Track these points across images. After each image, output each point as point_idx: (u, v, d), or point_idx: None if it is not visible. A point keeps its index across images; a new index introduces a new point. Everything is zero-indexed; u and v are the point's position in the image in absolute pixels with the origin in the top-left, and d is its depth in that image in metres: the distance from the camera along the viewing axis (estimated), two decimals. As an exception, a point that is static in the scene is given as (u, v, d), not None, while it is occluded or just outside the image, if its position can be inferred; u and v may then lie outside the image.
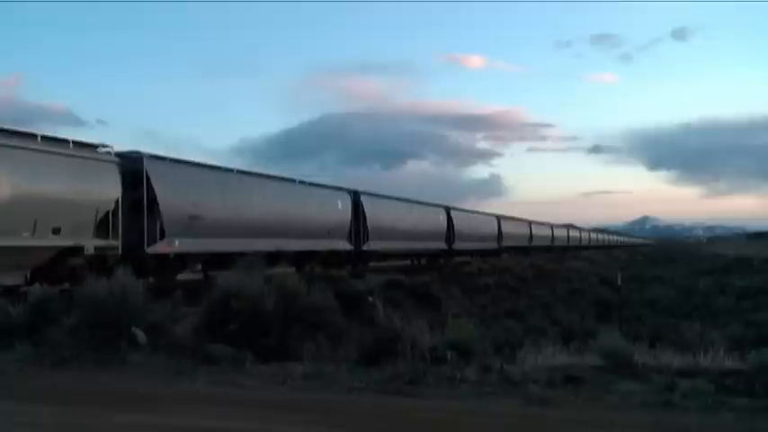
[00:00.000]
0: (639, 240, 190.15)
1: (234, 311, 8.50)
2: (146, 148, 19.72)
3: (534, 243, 64.77)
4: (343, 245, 28.84)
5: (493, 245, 51.12)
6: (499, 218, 54.85)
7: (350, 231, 29.15)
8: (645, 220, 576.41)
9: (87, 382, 7.22)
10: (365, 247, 30.07)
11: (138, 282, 9.56)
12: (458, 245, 42.13)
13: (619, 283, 30.65)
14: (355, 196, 30.15)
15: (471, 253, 45.87)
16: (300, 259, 25.02)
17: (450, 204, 44.75)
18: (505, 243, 53.89)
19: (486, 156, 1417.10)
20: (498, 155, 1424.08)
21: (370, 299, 15.15)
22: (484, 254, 47.67)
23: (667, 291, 40.02)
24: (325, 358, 8.01)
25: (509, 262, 44.35)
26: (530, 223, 66.45)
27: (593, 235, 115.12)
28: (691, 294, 38.68)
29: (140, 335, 8.44)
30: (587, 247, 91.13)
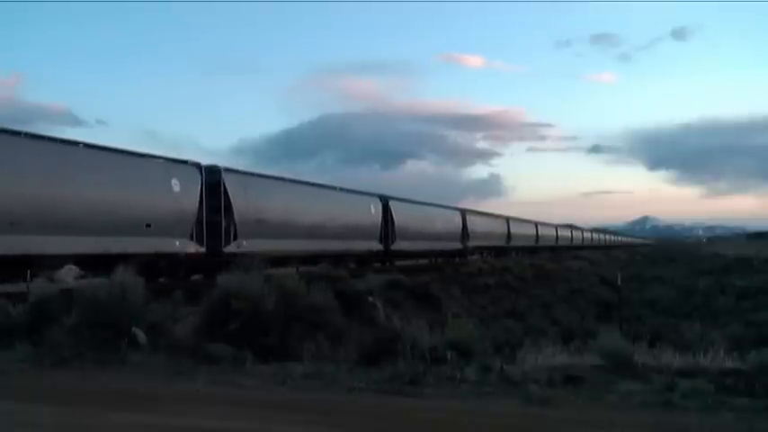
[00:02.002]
0: (639, 240, 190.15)
1: (234, 311, 8.51)
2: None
3: (540, 243, 67.97)
4: (376, 245, 31.85)
5: (503, 244, 54.50)
6: (508, 219, 58.15)
7: (380, 233, 32.27)
8: (645, 220, 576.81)
9: (87, 382, 7.21)
10: (393, 247, 33.20)
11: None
12: (472, 243, 45.60)
13: (619, 283, 30.63)
14: (384, 201, 33.30)
15: (482, 251, 48.53)
16: (341, 258, 27.25)
17: (465, 207, 48.84)
18: (514, 243, 57.32)
19: (485, 156, 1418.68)
20: (498, 155, 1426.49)
21: (370, 299, 15.16)
22: (495, 253, 50.90)
23: (667, 291, 40.09)
24: (325, 358, 8.01)
25: (509, 262, 44.39)
26: (536, 224, 69.72)
27: (593, 235, 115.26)
28: (691, 294, 38.74)
29: (140, 335, 8.44)
30: (587, 247, 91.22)
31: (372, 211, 31.78)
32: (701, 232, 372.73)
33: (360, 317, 12.45)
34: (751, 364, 7.15)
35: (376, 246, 31.77)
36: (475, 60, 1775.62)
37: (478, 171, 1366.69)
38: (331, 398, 6.46)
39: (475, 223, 46.93)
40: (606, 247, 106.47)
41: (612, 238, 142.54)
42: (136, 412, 5.94)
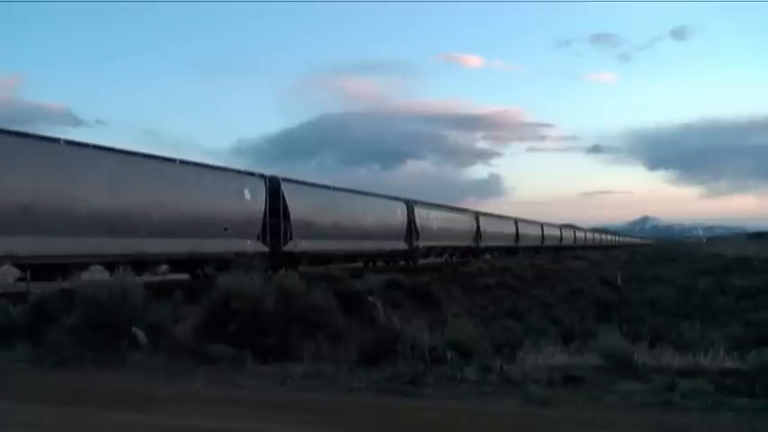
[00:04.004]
0: (639, 240, 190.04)
1: (234, 311, 8.51)
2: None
3: (546, 243, 70.97)
4: (402, 244, 35.35)
5: (511, 244, 57.86)
6: (517, 220, 61.69)
7: (406, 233, 35.72)
8: (645, 220, 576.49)
9: (87, 382, 7.21)
10: (415, 245, 36.66)
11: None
12: (484, 243, 49.42)
13: (619, 282, 30.60)
14: (408, 204, 36.60)
15: (493, 251, 52.08)
16: (372, 257, 32.27)
17: (477, 209, 52.65)
18: (522, 243, 60.57)
19: (485, 155, 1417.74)
20: (497, 155, 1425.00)
21: (370, 299, 15.16)
22: (505, 252, 54.93)
23: (667, 291, 40.05)
24: (325, 358, 8.01)
25: (509, 262, 44.42)
26: (542, 225, 72.94)
27: (593, 235, 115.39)
28: (691, 294, 38.71)
29: (140, 335, 8.44)
30: (587, 248, 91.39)
31: (399, 213, 35.30)
32: (700, 232, 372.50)
33: (360, 317, 12.45)
34: (751, 364, 7.15)
35: (403, 245, 35.26)
36: (474, 60, 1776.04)
37: (478, 171, 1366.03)
38: (331, 398, 6.46)
39: (486, 224, 50.06)
40: (606, 248, 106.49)
41: (612, 238, 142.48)
42: (136, 412, 5.94)
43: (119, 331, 8.31)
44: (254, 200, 22.55)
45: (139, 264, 15.67)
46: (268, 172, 24.85)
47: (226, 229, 20.83)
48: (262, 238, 22.79)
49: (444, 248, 42.49)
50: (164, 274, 19.46)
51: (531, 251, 62.00)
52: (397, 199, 36.13)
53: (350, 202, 30.25)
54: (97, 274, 15.45)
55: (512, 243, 57.96)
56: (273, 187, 23.99)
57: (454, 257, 44.24)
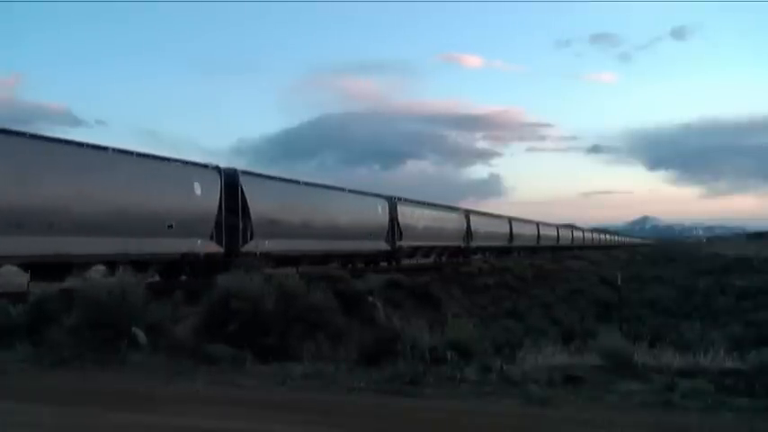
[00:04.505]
0: (639, 240, 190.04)
1: (234, 311, 8.51)
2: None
3: (542, 243, 69.80)
4: (383, 245, 32.64)
5: (504, 244, 56.24)
6: (511, 219, 59.79)
7: (388, 232, 33.17)
8: (645, 220, 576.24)
9: (87, 382, 7.21)
10: (398, 245, 34.17)
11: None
12: (475, 243, 47.44)
13: (619, 282, 30.61)
14: (391, 202, 34.08)
15: (485, 251, 50.57)
16: (348, 258, 29.09)
17: (469, 208, 50.94)
18: (517, 243, 59.26)
19: (485, 155, 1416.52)
20: (497, 155, 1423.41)
21: (370, 299, 15.17)
22: (498, 253, 53.09)
23: (667, 291, 40.07)
24: (325, 358, 8.01)
25: (508, 262, 44.43)
26: (538, 224, 71.91)
27: (593, 235, 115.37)
28: (691, 294, 38.73)
29: (140, 335, 8.44)
30: (587, 247, 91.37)
31: (380, 211, 32.69)
32: (700, 232, 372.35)
33: (360, 317, 12.46)
34: (751, 364, 7.15)
35: (383, 245, 32.66)
36: (474, 60, 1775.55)
37: (478, 171, 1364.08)
38: (331, 398, 6.46)
39: (478, 223, 47.93)
40: (606, 247, 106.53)
41: (612, 238, 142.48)
42: (136, 412, 5.94)
43: (119, 331, 8.31)
44: (205, 194, 20.30)
45: (63, 266, 14.33)
46: (223, 164, 22.09)
47: (170, 227, 18.72)
48: (215, 237, 20.52)
49: (432, 248, 40.62)
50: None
51: (526, 251, 60.94)
52: (378, 196, 33.78)
53: (322, 199, 27.81)
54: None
55: (505, 243, 56.25)
56: (230, 181, 21.52)
57: (443, 258, 42.37)
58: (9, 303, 9.92)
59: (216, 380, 7.14)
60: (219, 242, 20.58)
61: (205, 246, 20.03)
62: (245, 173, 22.98)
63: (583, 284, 41.01)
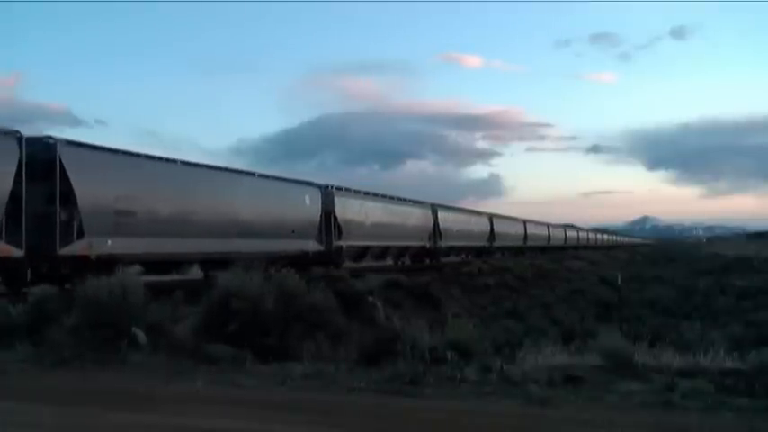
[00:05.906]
0: (639, 240, 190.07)
1: (234, 311, 8.51)
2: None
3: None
4: (313, 244, 26.85)
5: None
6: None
7: (319, 230, 27.40)
8: (645, 220, 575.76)
9: (87, 382, 7.22)
10: (336, 245, 28.23)
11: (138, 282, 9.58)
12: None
13: (619, 283, 30.61)
14: (324, 191, 28.22)
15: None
16: (252, 260, 27.00)
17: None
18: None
19: (485, 155, 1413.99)
20: (497, 155, 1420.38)
21: (370, 299, 15.18)
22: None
23: (667, 291, 40.06)
24: (325, 358, 8.01)
25: (508, 262, 44.46)
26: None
27: (593, 235, 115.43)
28: (691, 294, 38.72)
29: (140, 335, 8.45)
30: (587, 247, 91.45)
31: (308, 203, 26.70)
32: (700, 232, 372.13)
33: (360, 317, 12.46)
34: (751, 364, 7.16)
35: (313, 246, 26.61)
36: (474, 60, 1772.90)
37: (478, 171, 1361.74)
38: (331, 398, 6.46)
39: (448, 221, 43.45)
40: (606, 248, 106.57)
41: (612, 238, 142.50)
42: (136, 412, 5.95)
43: (119, 331, 8.32)
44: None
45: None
46: (26, 132, 15.04)
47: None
48: (4, 234, 14.29)
49: (386, 249, 34.12)
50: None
51: (511, 252, 59.96)
52: (309, 184, 27.79)
53: (211, 185, 21.03)
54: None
55: (484, 243, 52.83)
56: (43, 156, 15.08)
57: (402, 261, 37.37)
58: (9, 303, 9.94)
59: (216, 380, 7.14)
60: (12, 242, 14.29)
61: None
62: (70, 143, 16.18)
63: (583, 284, 41.02)
